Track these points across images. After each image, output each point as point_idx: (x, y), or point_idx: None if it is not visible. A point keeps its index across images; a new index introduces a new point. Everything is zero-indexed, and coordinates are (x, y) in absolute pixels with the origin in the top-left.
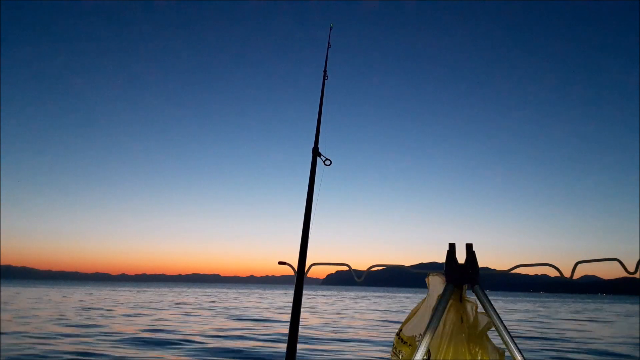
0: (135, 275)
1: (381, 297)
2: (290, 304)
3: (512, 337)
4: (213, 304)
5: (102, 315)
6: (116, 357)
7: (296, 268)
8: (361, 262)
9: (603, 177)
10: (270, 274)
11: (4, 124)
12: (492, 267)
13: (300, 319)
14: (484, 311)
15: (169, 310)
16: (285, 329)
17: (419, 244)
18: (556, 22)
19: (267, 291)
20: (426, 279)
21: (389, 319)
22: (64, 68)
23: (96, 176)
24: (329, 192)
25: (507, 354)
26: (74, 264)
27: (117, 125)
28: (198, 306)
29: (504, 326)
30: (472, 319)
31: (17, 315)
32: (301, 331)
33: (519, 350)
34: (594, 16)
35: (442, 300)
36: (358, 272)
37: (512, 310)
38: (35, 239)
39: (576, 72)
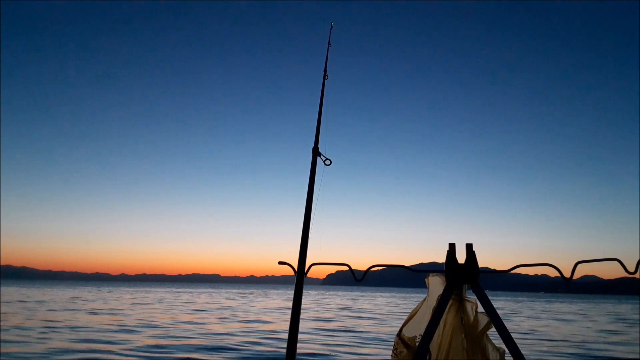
0: (135, 275)
1: (381, 297)
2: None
3: (512, 337)
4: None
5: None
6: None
7: (296, 268)
8: (361, 262)
9: (603, 177)
10: (270, 274)
11: (4, 123)
12: (492, 267)
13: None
14: (484, 311)
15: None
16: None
17: (419, 244)
18: (556, 22)
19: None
20: (426, 279)
21: (388, 319)
22: (64, 68)
23: (96, 176)
24: (329, 192)
25: (507, 354)
26: (73, 264)
27: (116, 125)
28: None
29: (504, 326)
30: (472, 319)
31: None
32: (301, 331)
33: (519, 350)
34: (593, 16)
35: (442, 300)
36: (358, 272)
37: (512, 310)
38: (35, 239)
39: (577, 72)
